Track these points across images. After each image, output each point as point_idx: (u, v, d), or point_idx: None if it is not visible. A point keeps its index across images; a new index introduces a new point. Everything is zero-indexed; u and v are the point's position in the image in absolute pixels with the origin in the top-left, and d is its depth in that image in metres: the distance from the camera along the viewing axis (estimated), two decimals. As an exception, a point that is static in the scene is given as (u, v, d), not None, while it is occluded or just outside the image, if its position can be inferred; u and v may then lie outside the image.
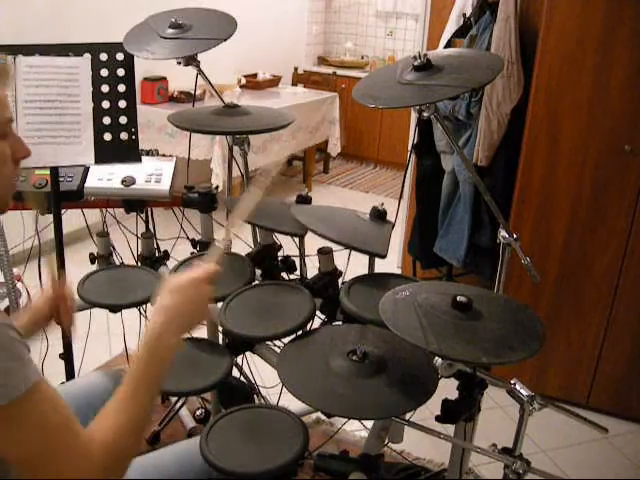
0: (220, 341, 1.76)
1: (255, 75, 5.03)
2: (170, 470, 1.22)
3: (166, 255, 1.98)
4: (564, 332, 2.41)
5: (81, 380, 1.60)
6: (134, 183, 1.87)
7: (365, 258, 1.64)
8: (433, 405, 1.23)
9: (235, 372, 1.69)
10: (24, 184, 1.87)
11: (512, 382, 1.25)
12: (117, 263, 1.94)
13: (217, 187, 1.98)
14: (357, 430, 2.26)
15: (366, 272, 1.67)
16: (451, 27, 2.56)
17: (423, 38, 3.03)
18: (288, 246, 1.81)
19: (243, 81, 4.77)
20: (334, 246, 1.60)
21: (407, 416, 1.21)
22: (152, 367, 0.95)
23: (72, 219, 2.07)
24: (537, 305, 2.39)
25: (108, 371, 1.58)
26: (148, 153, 2.04)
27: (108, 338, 2.71)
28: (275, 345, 1.46)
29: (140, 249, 1.96)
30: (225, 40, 1.73)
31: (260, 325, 1.43)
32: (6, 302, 2.50)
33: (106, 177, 1.88)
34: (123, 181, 1.87)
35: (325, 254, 1.64)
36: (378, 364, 1.21)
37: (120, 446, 0.89)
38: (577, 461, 2.24)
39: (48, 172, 1.77)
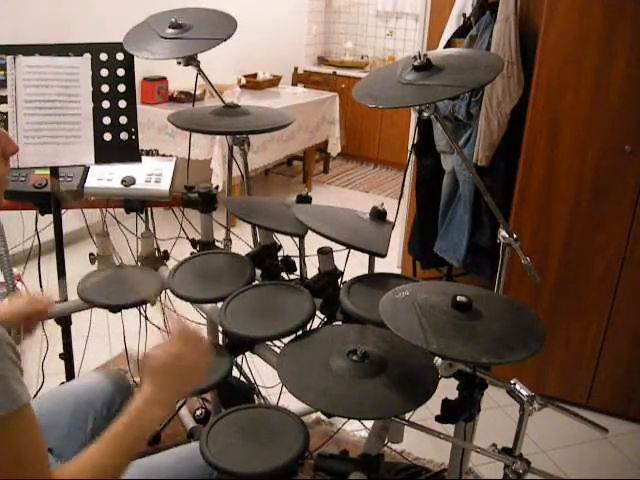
0: (220, 341, 1.76)
1: (255, 75, 5.03)
2: (170, 473, 1.23)
3: (166, 255, 1.98)
4: (564, 332, 2.41)
5: (81, 380, 1.60)
6: (134, 183, 1.87)
7: (365, 258, 1.64)
8: (433, 405, 1.23)
9: (235, 372, 1.69)
10: (24, 184, 1.87)
11: (512, 382, 1.25)
12: (117, 263, 1.94)
13: (217, 187, 1.98)
14: (357, 430, 2.26)
15: (366, 272, 1.67)
16: (451, 27, 2.56)
17: (423, 38, 3.03)
18: (288, 246, 1.81)
19: (243, 81, 4.77)
20: (334, 246, 1.60)
21: (407, 416, 1.21)
22: (129, 438, 0.95)
23: (72, 219, 2.07)
24: (537, 305, 2.39)
25: (107, 371, 1.58)
26: (148, 153, 2.04)
27: (108, 338, 2.71)
28: (275, 345, 1.46)
29: (140, 249, 1.96)
30: (225, 40, 1.73)
31: (260, 325, 1.43)
32: (6, 302, 2.50)
33: (106, 177, 1.88)
34: (123, 181, 1.87)
35: (325, 254, 1.64)
36: (378, 364, 1.21)
37: None
38: (577, 461, 2.24)
39: (48, 172, 1.77)
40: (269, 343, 1.47)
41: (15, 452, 0.82)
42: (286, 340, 1.37)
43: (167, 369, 1.02)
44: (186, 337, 1.05)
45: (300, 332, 1.41)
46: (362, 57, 6.04)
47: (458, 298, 1.16)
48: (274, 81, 5.11)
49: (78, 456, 0.91)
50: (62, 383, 1.76)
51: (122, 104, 1.72)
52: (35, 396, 1.74)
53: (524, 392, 1.23)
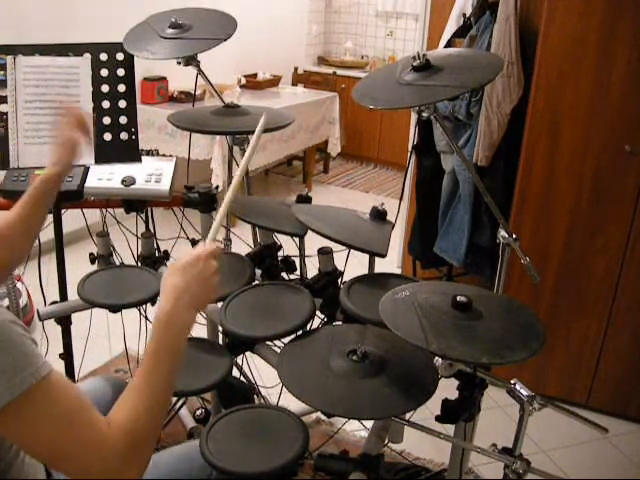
0: (220, 341, 1.77)
1: (255, 75, 5.03)
2: (169, 471, 1.22)
3: (166, 255, 1.98)
4: (564, 332, 2.41)
5: (80, 385, 1.59)
6: (134, 183, 1.87)
7: (365, 258, 1.64)
8: (433, 405, 1.23)
9: (235, 372, 1.69)
10: (24, 184, 1.87)
11: (512, 382, 1.25)
12: (117, 263, 1.95)
13: (217, 187, 1.98)
14: (357, 430, 2.26)
15: (366, 272, 1.67)
16: (451, 27, 2.56)
17: (423, 38, 3.03)
18: (288, 246, 1.81)
19: (243, 81, 4.77)
20: (334, 246, 1.60)
21: (407, 416, 1.21)
22: (165, 350, 0.94)
23: (72, 219, 2.07)
24: (537, 305, 2.39)
25: (107, 376, 1.58)
26: (148, 153, 2.04)
27: (108, 338, 2.71)
28: (275, 345, 1.46)
29: (140, 249, 1.96)
30: (225, 40, 1.73)
31: (260, 325, 1.43)
32: (6, 302, 2.50)
33: (106, 177, 1.88)
34: (123, 181, 1.87)
35: (325, 254, 1.64)
36: (378, 364, 1.21)
37: (137, 429, 0.88)
38: (577, 461, 2.24)
39: (48, 172, 1.77)
40: (269, 343, 1.47)
41: (51, 415, 0.82)
42: (286, 340, 1.37)
43: (190, 267, 1.00)
44: (209, 253, 1.03)
45: (300, 332, 1.41)
46: (362, 57, 6.04)
47: (458, 298, 1.16)
48: (274, 81, 5.11)
49: (126, 388, 0.92)
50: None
51: (122, 104, 1.72)
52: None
53: (524, 392, 1.23)
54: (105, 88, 1.70)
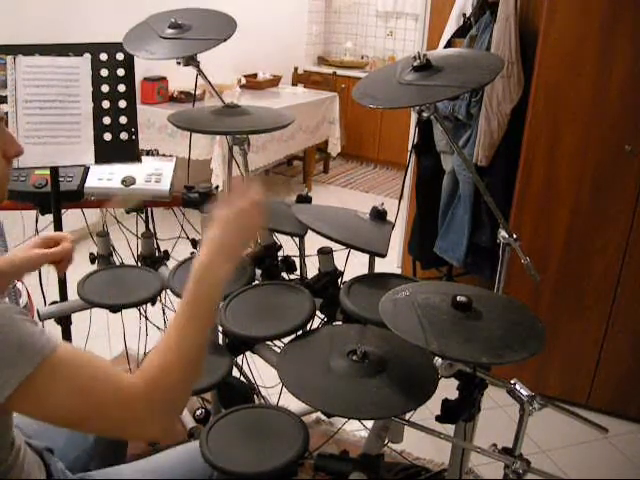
0: (220, 341, 1.76)
1: (255, 75, 5.03)
2: (170, 473, 1.22)
3: (166, 255, 1.98)
4: (564, 332, 2.41)
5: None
6: (134, 183, 1.87)
7: (365, 258, 1.64)
8: (433, 405, 1.23)
9: (235, 372, 1.69)
10: (24, 184, 1.88)
11: (512, 382, 1.25)
12: (117, 263, 1.95)
13: (217, 187, 1.99)
14: (357, 430, 2.26)
15: (366, 272, 1.67)
16: (451, 27, 2.56)
17: (423, 38, 3.03)
18: (288, 246, 1.81)
19: (243, 81, 4.77)
20: (334, 246, 1.60)
21: (407, 416, 1.21)
22: (200, 301, 0.95)
23: (72, 219, 2.07)
24: (537, 305, 2.39)
25: None
26: (148, 153, 2.05)
27: (108, 338, 2.71)
28: (275, 345, 1.46)
29: (140, 249, 1.96)
30: (225, 40, 1.73)
31: (260, 325, 1.43)
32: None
33: (106, 177, 1.88)
34: (123, 181, 1.87)
35: (325, 254, 1.64)
36: (378, 364, 1.21)
37: (167, 382, 0.89)
38: (577, 461, 2.24)
39: (48, 172, 1.78)
40: (269, 343, 1.47)
41: (70, 383, 0.83)
42: (286, 340, 1.37)
43: (232, 220, 1.01)
44: (254, 206, 1.04)
45: (300, 332, 1.41)
46: (362, 57, 6.04)
47: (458, 298, 1.16)
48: (274, 81, 5.11)
49: (157, 343, 0.92)
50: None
51: (122, 104, 1.72)
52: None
53: (524, 392, 1.23)
54: (105, 88, 1.70)
